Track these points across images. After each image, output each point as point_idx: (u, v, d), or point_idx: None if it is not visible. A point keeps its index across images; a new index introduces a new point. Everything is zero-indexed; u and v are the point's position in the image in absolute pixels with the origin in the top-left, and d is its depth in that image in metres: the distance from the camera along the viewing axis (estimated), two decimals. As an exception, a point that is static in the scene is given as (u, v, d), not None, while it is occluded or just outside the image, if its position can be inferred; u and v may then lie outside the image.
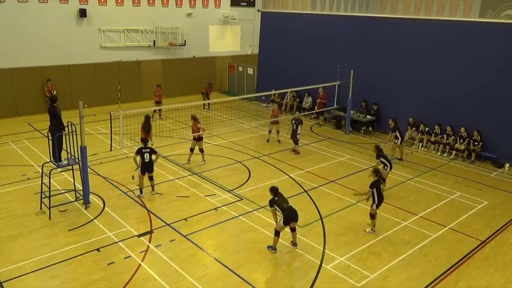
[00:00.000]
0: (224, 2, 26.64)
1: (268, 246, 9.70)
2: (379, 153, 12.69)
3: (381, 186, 10.61)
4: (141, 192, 12.20)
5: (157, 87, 20.08)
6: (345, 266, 9.24)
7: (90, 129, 17.28)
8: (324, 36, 21.17)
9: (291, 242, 9.86)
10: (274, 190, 9.68)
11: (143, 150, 11.94)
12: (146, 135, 13.70)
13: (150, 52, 23.99)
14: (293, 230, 9.71)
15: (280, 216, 9.45)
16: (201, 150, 14.63)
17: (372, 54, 19.37)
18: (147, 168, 12.00)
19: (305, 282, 8.69)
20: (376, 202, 10.43)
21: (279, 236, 9.60)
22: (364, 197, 10.73)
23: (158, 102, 19.68)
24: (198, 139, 14.48)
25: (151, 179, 12.22)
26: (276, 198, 9.52)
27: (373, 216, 10.57)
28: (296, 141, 16.07)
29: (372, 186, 10.44)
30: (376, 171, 10.70)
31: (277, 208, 9.48)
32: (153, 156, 12.08)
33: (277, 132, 17.40)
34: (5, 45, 19.33)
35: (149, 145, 12.43)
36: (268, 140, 17.41)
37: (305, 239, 10.05)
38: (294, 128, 15.92)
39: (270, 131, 17.50)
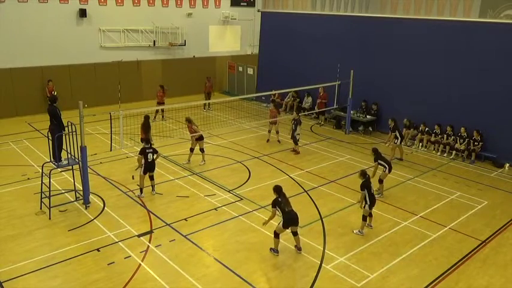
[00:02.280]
0: (224, 2, 26.64)
1: (270, 249, 9.63)
2: (377, 156, 12.60)
3: (372, 186, 10.56)
4: (142, 192, 12.19)
5: (159, 87, 20.05)
6: (345, 266, 9.24)
7: (90, 129, 17.29)
8: (324, 36, 21.17)
9: (295, 246, 9.76)
10: (277, 190, 9.54)
11: (147, 151, 11.97)
12: (145, 135, 13.69)
13: (150, 52, 24.00)
14: (294, 234, 9.58)
15: (280, 219, 9.36)
16: (202, 150, 14.64)
17: (372, 54, 19.37)
18: (149, 167, 12.04)
19: (305, 282, 8.69)
20: (369, 203, 10.37)
21: (278, 238, 9.53)
22: (360, 201, 10.56)
23: (159, 103, 19.67)
24: (199, 138, 14.50)
25: (152, 178, 12.24)
26: (280, 199, 9.40)
27: (365, 218, 10.52)
28: (295, 141, 16.08)
29: (362, 188, 10.35)
30: (363, 173, 10.50)
31: (278, 209, 9.37)
32: (154, 156, 12.10)
33: (277, 132, 17.42)
34: (5, 45, 19.33)
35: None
36: (268, 140, 17.42)
37: (305, 239, 10.05)
38: (293, 128, 15.96)
39: (269, 131, 17.52)
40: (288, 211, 9.31)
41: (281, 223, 9.33)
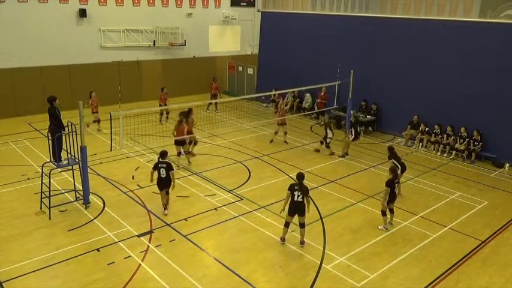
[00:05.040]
0: (224, 2, 26.64)
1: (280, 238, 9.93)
2: (391, 154, 12.44)
3: (396, 184, 10.74)
4: (165, 208, 11.15)
5: (165, 90, 19.79)
6: (345, 266, 9.24)
7: (90, 129, 17.29)
8: (324, 36, 21.17)
9: (300, 241, 9.95)
10: (298, 176, 9.77)
11: (159, 165, 10.89)
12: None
13: (150, 52, 24.00)
14: (301, 226, 9.78)
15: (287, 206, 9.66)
16: (179, 154, 14.14)
17: (372, 54, 19.36)
18: (163, 184, 10.97)
19: (305, 282, 8.69)
20: (387, 199, 10.61)
21: (287, 227, 9.81)
22: (383, 197, 10.78)
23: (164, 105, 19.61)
24: (179, 143, 14.04)
25: (166, 193, 11.20)
26: (296, 187, 9.56)
27: (384, 213, 10.74)
28: (327, 145, 16.05)
29: (387, 184, 10.60)
30: (392, 170, 10.80)
31: (290, 195, 9.58)
32: (171, 174, 10.94)
33: (285, 133, 17.31)
34: (5, 45, 19.33)
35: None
36: (271, 141, 17.31)
37: (305, 239, 10.03)
38: (326, 133, 16.03)
39: (276, 132, 17.30)
40: (295, 201, 9.51)
41: (287, 210, 9.62)
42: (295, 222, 9.85)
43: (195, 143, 15.60)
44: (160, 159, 11.02)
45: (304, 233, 9.86)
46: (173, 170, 11.07)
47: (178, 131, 13.99)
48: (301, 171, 10.28)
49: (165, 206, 11.17)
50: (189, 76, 25.05)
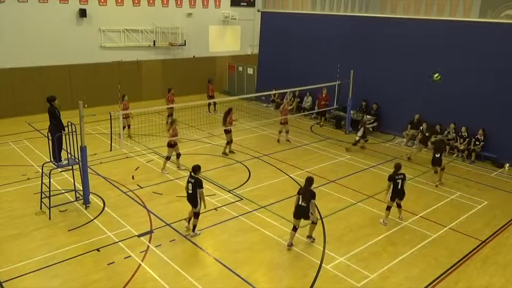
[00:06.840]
0: (224, 2, 26.64)
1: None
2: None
3: (399, 181, 10.82)
4: (194, 230, 10.24)
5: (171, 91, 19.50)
6: (345, 266, 9.24)
7: (90, 129, 17.27)
8: (324, 36, 21.16)
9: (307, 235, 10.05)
10: (306, 180, 9.78)
11: (188, 179, 9.99)
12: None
13: (150, 52, 24.00)
14: (312, 223, 9.86)
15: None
16: (167, 158, 13.95)
17: (372, 54, 19.36)
18: (189, 200, 10.06)
19: (305, 282, 8.69)
20: (390, 194, 10.79)
21: (295, 231, 9.75)
22: (386, 191, 11.02)
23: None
24: (169, 145, 13.89)
25: (195, 216, 10.10)
26: (302, 191, 9.63)
27: (388, 208, 10.92)
28: (365, 140, 16.70)
29: (388, 178, 10.87)
30: (396, 165, 10.92)
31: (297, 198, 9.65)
32: (199, 193, 9.89)
33: (287, 132, 17.35)
34: (5, 45, 19.32)
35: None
36: (278, 141, 17.35)
37: (305, 239, 10.05)
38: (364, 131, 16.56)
39: (280, 132, 17.41)
40: (299, 205, 9.52)
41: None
42: (302, 226, 9.84)
43: (231, 142, 15.87)
44: (191, 174, 10.05)
45: (314, 229, 9.94)
46: (202, 188, 9.88)
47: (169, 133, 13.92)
48: (310, 175, 10.21)
49: (193, 227, 10.20)
50: (189, 76, 25.04)
